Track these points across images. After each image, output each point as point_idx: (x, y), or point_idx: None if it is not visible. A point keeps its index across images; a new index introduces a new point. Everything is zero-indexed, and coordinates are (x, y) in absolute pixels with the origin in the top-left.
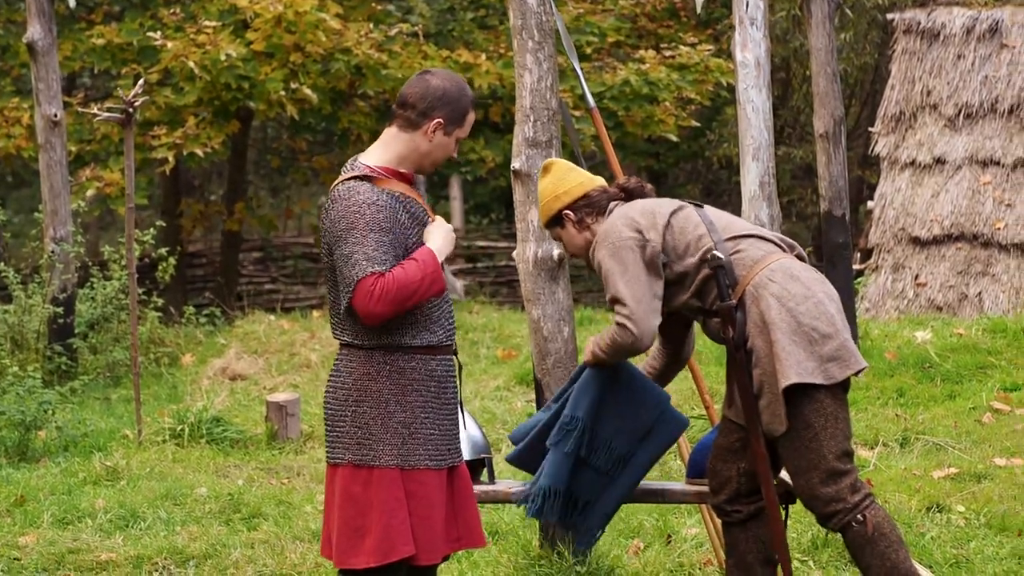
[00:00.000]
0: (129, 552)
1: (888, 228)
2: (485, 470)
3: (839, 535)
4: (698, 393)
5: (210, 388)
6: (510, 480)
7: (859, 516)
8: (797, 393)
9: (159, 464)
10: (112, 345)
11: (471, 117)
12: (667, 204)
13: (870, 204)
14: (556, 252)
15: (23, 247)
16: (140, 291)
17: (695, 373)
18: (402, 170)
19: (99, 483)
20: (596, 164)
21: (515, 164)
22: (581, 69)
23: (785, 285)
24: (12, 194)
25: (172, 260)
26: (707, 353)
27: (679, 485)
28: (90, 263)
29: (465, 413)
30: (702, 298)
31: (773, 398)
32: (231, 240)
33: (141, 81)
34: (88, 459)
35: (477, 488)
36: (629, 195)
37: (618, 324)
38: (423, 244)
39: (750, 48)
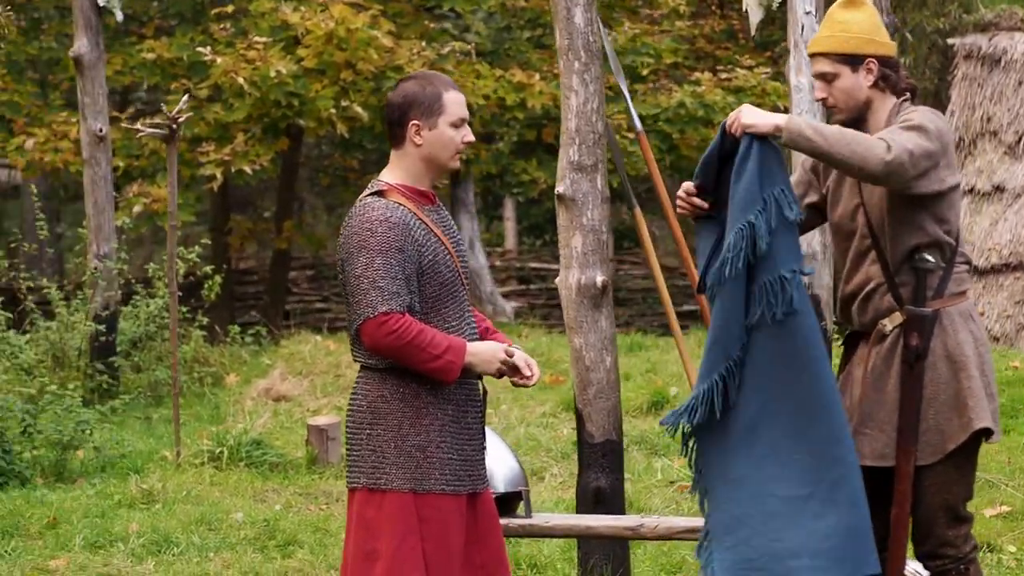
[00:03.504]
0: None
1: None
2: (522, 503)
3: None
4: None
5: (253, 409)
6: (547, 514)
7: (962, 567)
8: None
9: (196, 487)
10: (155, 364)
11: (450, 98)
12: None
13: None
14: (599, 279)
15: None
16: (184, 309)
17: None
18: (421, 187)
19: (134, 506)
20: (646, 188)
21: (559, 188)
22: (629, 92)
23: (980, 328)
24: (68, 207)
25: (218, 278)
26: None
27: None
28: (133, 280)
29: (503, 443)
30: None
31: (936, 430)
32: (280, 258)
33: (185, 97)
34: (124, 481)
35: (513, 521)
36: (912, 94)
37: (885, 142)
38: (440, 261)
39: (804, 71)
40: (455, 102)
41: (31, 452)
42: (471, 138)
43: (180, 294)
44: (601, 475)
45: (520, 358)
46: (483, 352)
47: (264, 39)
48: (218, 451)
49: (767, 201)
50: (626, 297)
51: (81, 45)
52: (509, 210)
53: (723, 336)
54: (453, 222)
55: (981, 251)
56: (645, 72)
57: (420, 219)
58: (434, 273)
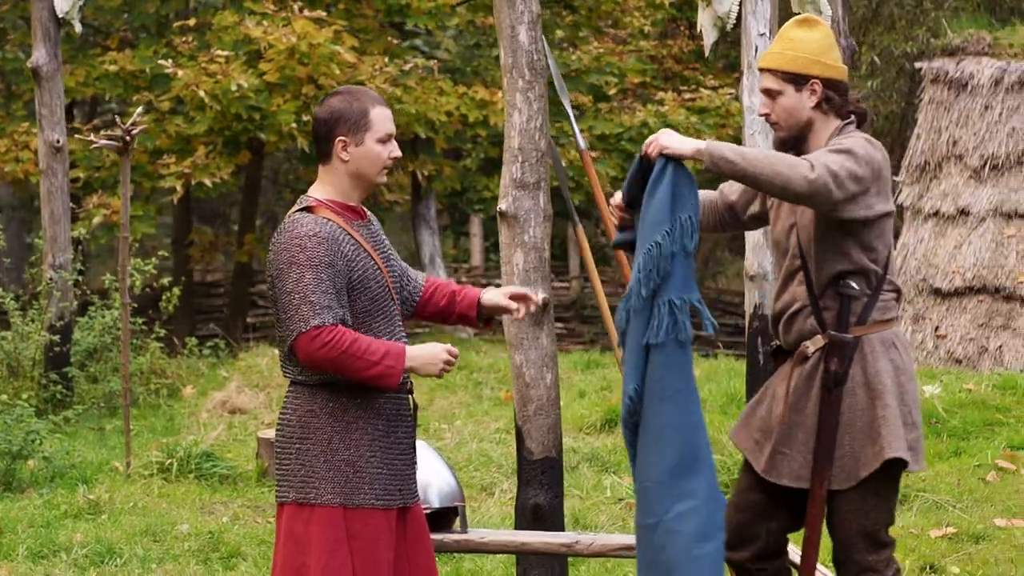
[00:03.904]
0: None
1: (910, 278)
2: (458, 519)
3: None
4: None
5: (208, 421)
6: (483, 530)
7: None
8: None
9: (144, 499)
10: (110, 375)
11: (377, 114)
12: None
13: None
14: (541, 296)
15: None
16: (140, 321)
17: None
18: (351, 203)
19: (80, 516)
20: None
21: (501, 205)
22: (592, 111)
23: (904, 357)
24: (37, 218)
25: (176, 290)
26: (712, 401)
27: None
28: (89, 292)
29: (440, 458)
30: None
31: (851, 456)
32: (243, 271)
33: (140, 109)
34: (73, 491)
35: (448, 537)
36: (859, 119)
37: (809, 162)
38: (370, 277)
39: (758, 93)
40: (382, 118)
41: None
42: (397, 153)
43: (135, 306)
44: (540, 492)
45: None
46: (423, 355)
47: (226, 53)
48: (167, 463)
49: (674, 224)
50: (590, 315)
51: (39, 56)
52: (476, 227)
53: (634, 353)
54: (384, 237)
55: (945, 274)
56: (612, 91)
57: (349, 234)
58: (364, 288)
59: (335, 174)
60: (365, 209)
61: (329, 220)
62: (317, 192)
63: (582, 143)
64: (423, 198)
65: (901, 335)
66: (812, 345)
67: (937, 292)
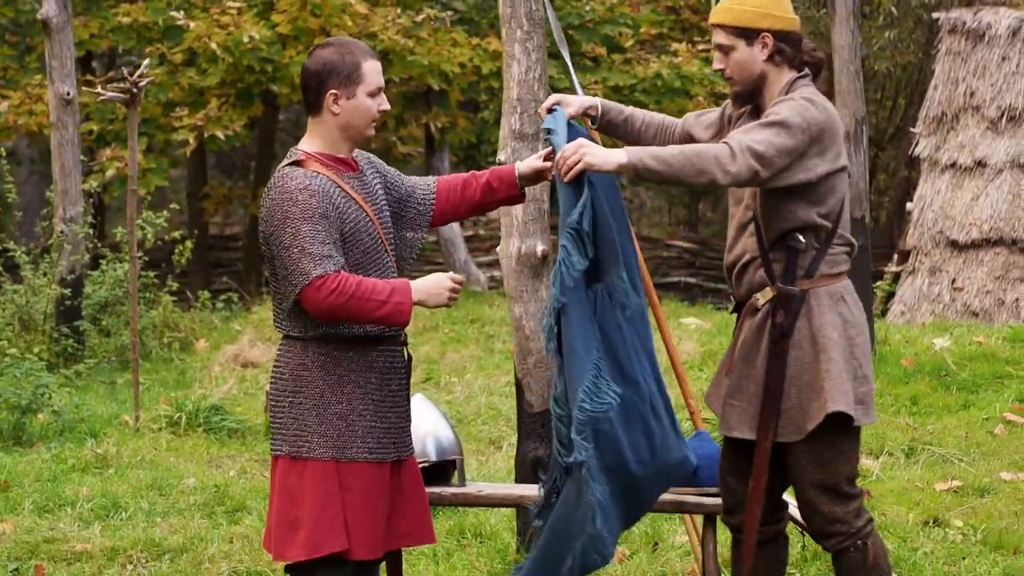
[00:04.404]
0: (105, 543)
1: (926, 231)
2: (455, 472)
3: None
4: (682, 397)
5: (220, 375)
6: (480, 483)
7: (859, 542)
8: (832, 416)
9: (151, 453)
10: (122, 329)
11: (368, 67)
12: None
13: (909, 206)
14: (540, 248)
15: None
16: (153, 274)
17: (679, 374)
18: (340, 155)
19: (87, 470)
20: None
21: (500, 156)
22: (605, 61)
23: (853, 310)
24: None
25: (189, 243)
26: (691, 362)
27: None
28: (100, 245)
29: (438, 412)
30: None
31: (798, 408)
32: (257, 224)
33: (147, 62)
34: (81, 445)
35: (446, 490)
36: (814, 69)
37: (729, 147)
38: (361, 229)
39: None
40: (373, 71)
41: None
42: (387, 107)
43: (146, 259)
44: (540, 445)
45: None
46: (429, 286)
47: (238, 4)
48: (176, 417)
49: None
50: None
51: (49, 8)
52: None
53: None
54: (379, 189)
55: (962, 226)
56: (629, 43)
57: (340, 187)
58: (356, 241)
59: (324, 126)
60: (356, 160)
61: (319, 173)
62: (306, 145)
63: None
64: (437, 150)
65: (851, 288)
66: (762, 297)
67: (954, 244)
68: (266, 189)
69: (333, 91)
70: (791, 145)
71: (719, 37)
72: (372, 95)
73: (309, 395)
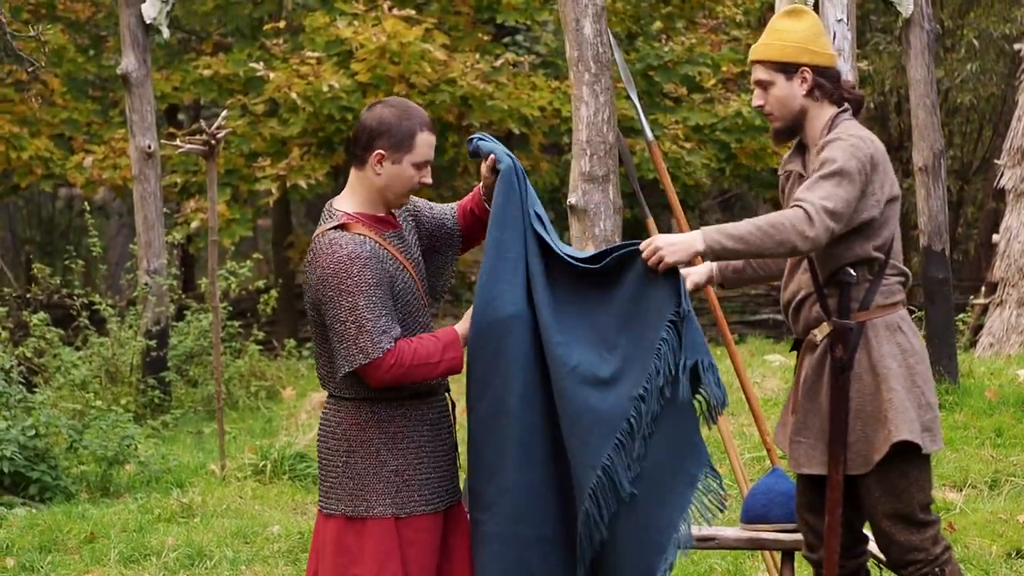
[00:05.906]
0: None
1: (1013, 262)
2: None
3: None
4: (759, 434)
5: (306, 423)
6: None
7: (936, 570)
8: (899, 445)
9: (237, 501)
10: (208, 379)
11: (422, 139)
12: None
13: (995, 237)
14: None
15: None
16: (238, 324)
17: (755, 412)
18: (380, 214)
19: (173, 520)
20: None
21: (571, 199)
22: (683, 101)
23: (912, 339)
24: None
25: (274, 292)
26: (775, 399)
27: (732, 531)
28: (185, 296)
29: None
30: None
31: (864, 441)
32: None
33: (224, 113)
34: (167, 495)
35: None
36: (855, 105)
37: (804, 211)
38: (407, 289)
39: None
40: (425, 143)
41: (78, 467)
42: (429, 181)
43: (230, 309)
44: None
45: None
46: (468, 324)
47: (318, 54)
48: (262, 464)
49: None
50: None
51: (128, 63)
52: None
53: None
54: (414, 239)
55: None
56: (711, 83)
57: (386, 249)
58: (403, 302)
59: (364, 184)
60: (394, 218)
61: (366, 237)
62: (345, 204)
63: (649, 134)
64: None
65: (907, 318)
66: (819, 333)
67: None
68: (310, 253)
69: (380, 151)
70: (856, 192)
71: (758, 73)
72: (418, 167)
73: (364, 455)
